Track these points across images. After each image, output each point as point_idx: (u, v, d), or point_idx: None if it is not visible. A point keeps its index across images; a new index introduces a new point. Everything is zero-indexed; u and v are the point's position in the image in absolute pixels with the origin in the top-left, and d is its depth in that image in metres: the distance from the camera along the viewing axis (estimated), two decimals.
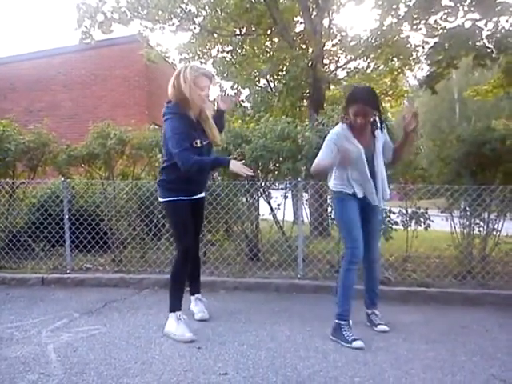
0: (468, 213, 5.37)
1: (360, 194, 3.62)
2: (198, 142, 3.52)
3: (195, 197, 3.79)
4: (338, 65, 10.56)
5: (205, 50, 11.07)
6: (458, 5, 8.16)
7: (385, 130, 3.73)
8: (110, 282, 5.46)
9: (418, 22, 8.84)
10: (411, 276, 5.22)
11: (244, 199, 5.92)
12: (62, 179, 5.93)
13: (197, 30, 10.55)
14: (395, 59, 9.85)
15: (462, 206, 5.43)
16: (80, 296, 5.00)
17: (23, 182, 6.34)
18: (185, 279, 3.74)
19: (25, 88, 15.64)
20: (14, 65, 15.76)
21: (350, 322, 3.57)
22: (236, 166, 3.41)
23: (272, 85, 10.47)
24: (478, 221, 5.33)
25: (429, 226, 5.41)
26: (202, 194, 3.93)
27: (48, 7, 49.69)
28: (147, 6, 9.36)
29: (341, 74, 10.49)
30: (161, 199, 3.72)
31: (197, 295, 4.19)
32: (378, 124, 3.64)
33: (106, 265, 5.97)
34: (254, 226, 5.90)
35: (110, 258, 6.10)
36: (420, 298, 4.74)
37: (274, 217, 5.82)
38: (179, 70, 3.55)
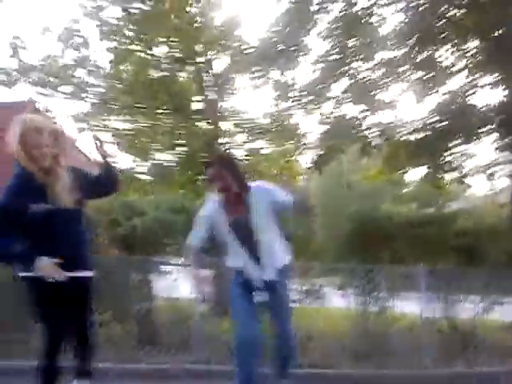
0: (360, 290, 5.49)
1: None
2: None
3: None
4: (235, 144, 10.81)
5: (101, 122, 10.74)
6: (344, 96, 8.95)
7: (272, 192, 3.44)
8: None
9: (307, 109, 9.50)
10: (310, 356, 5.08)
11: (135, 275, 5.53)
12: None
13: (92, 100, 10.26)
14: (287, 143, 10.32)
15: (355, 284, 5.56)
16: None
17: None
18: None
19: None
20: None
21: None
22: (46, 268, 2.75)
23: (171, 158, 10.40)
24: (370, 299, 5.45)
25: (323, 303, 5.42)
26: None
27: None
28: (41, 70, 8.98)
29: (238, 152, 10.71)
30: None
31: None
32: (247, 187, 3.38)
33: None
34: (147, 305, 5.48)
35: None
36: (317, 380, 4.60)
37: (169, 294, 5.48)
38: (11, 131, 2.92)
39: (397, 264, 5.51)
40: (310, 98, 9.28)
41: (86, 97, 10.17)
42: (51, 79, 9.56)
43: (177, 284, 5.50)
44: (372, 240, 5.54)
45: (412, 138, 8.96)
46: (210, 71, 10.52)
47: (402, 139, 9.00)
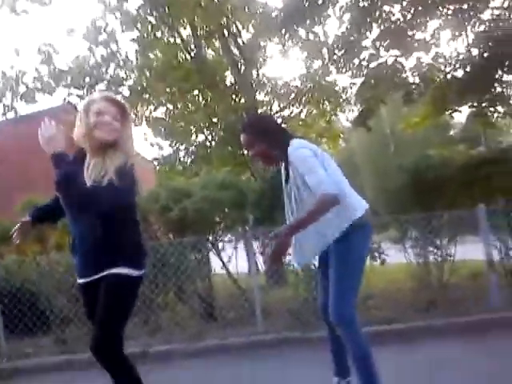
0: (420, 242, 5.31)
1: None
2: None
3: (85, 280, 2.56)
4: (272, 113, 10.71)
5: (137, 113, 10.95)
6: (378, 44, 8.54)
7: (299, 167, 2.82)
8: (54, 366, 4.90)
9: (342, 64, 9.15)
10: (375, 314, 5.01)
11: (192, 256, 5.61)
12: None
13: (127, 93, 10.45)
14: (326, 102, 10.10)
15: (413, 236, 5.38)
16: None
17: None
18: None
19: None
20: None
21: None
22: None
23: (209, 138, 10.47)
24: (431, 248, 5.27)
25: (384, 260, 5.29)
26: (101, 274, 2.47)
27: None
28: (71, 72, 9.19)
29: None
30: None
31: None
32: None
33: (47, 347, 5.39)
34: (206, 283, 5.57)
35: (51, 339, 5.52)
36: (386, 336, 4.51)
37: (227, 270, 5.54)
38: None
39: (456, 209, 5.24)
40: (344, 51, 8.93)
41: (122, 91, 10.35)
42: (86, 79, 9.78)
43: (233, 259, 5.53)
44: (428, 188, 5.29)
45: (457, 74, 8.45)
46: (238, 43, 10.40)
47: (446, 78, 8.50)
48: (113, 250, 2.45)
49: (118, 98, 2.74)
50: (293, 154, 2.81)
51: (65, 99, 10.11)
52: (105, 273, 2.44)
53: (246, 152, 10.06)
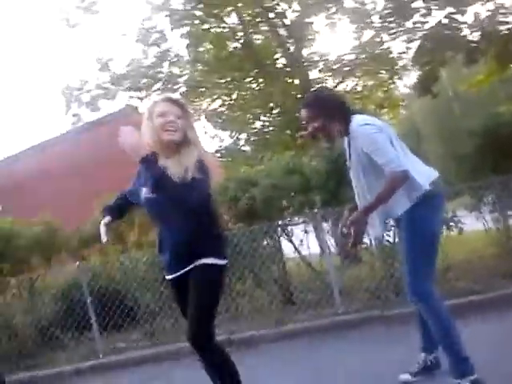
0: (498, 207, 5.08)
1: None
2: (143, 191, 2.67)
3: (176, 275, 2.68)
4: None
5: (195, 107, 11.17)
6: (429, 4, 8.15)
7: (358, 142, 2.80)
8: (146, 359, 5.20)
9: (394, 30, 8.84)
10: (456, 286, 4.88)
11: (265, 242, 5.70)
12: (77, 263, 5.78)
13: (183, 89, 10.65)
14: (383, 71, 9.82)
15: (491, 200, 5.16)
16: (117, 380, 4.74)
17: (39, 275, 6.21)
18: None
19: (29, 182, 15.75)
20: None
21: None
22: (100, 225, 2.85)
23: (267, 124, 10.52)
24: (510, 212, 5.04)
25: (461, 229, 5.11)
26: (189, 267, 2.62)
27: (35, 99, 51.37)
28: (128, 76, 9.48)
29: None
30: None
31: None
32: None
33: (138, 341, 5.71)
34: (281, 268, 5.66)
35: (141, 333, 5.84)
36: (471, 308, 4.37)
37: (300, 254, 5.59)
38: None
39: None
40: (395, 16, 8.60)
41: (180, 87, 10.55)
42: (143, 81, 10.05)
43: (304, 242, 5.57)
44: (501, 148, 5.03)
45: None
46: (285, 23, 10.28)
47: (510, 29, 7.98)
48: (200, 242, 2.58)
49: (176, 96, 2.85)
50: (357, 130, 2.77)
51: (126, 103, 10.47)
52: (194, 265, 2.59)
53: (303, 130, 9.99)
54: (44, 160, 15.64)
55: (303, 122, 2.98)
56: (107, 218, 2.88)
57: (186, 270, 2.62)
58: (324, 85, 10.10)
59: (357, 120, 2.80)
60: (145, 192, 2.64)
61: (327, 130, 2.93)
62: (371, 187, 2.81)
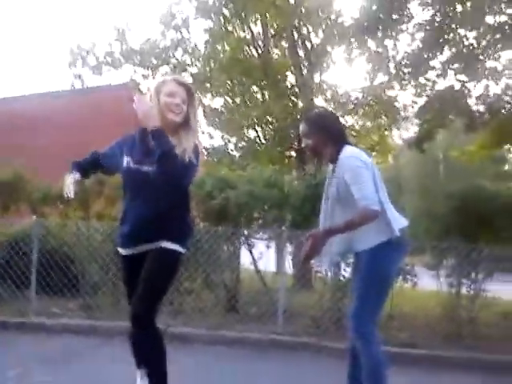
0: (456, 271, 5.16)
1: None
2: (125, 161, 2.64)
3: (130, 251, 2.66)
4: None
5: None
6: (447, 67, 8.34)
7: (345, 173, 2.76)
8: (77, 329, 5.11)
9: (406, 81, 8.99)
10: (397, 336, 4.92)
11: (225, 247, 5.68)
12: (34, 217, 5.67)
13: (189, 80, 10.66)
14: (384, 117, 9.98)
15: (450, 265, 5.24)
16: (42, 343, 4.65)
17: None
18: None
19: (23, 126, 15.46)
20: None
21: None
22: (66, 180, 2.73)
23: (261, 135, 10.59)
24: (465, 280, 5.12)
25: (416, 283, 5.18)
26: (148, 246, 2.58)
27: (39, 50, 50.81)
28: (141, 52, 9.46)
29: None
30: None
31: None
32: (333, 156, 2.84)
33: (74, 310, 5.60)
34: (234, 275, 5.63)
35: (78, 303, 5.73)
36: (406, 360, 4.42)
37: (256, 266, 5.58)
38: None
39: (498, 246, 5.07)
40: (411, 68, 8.77)
41: (184, 76, 10.56)
42: (153, 61, 10.04)
43: (263, 257, 5.57)
44: (473, 219, 5.14)
45: None
46: (306, 46, 10.41)
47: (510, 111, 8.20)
48: (168, 224, 2.56)
49: (186, 79, 2.85)
50: (344, 160, 2.79)
51: (131, 77, 10.42)
52: (155, 246, 2.55)
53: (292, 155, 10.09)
54: (38, 110, 15.44)
55: (301, 135, 3.01)
56: (77, 175, 2.77)
57: (144, 248, 2.58)
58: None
59: (347, 150, 2.83)
60: (127, 161, 2.61)
61: (319, 151, 2.94)
62: (335, 216, 2.85)
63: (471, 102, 8.35)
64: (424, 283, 5.30)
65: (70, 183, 2.72)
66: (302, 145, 3.03)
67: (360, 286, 2.82)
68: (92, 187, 5.63)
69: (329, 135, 2.89)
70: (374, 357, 2.76)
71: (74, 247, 5.81)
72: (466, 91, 8.30)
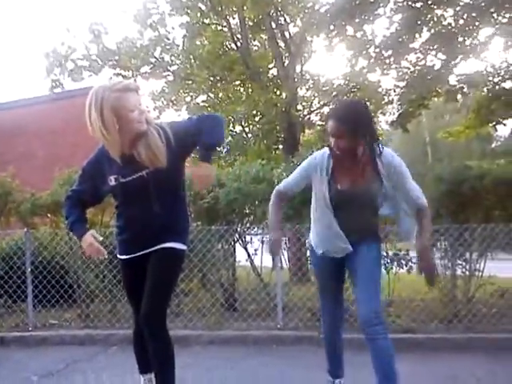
0: (450, 253, 5.20)
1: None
2: (112, 179, 2.57)
3: (137, 254, 2.65)
4: (312, 109, 10.66)
5: (178, 98, 11.06)
6: (427, 47, 8.36)
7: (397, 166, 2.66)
8: (75, 340, 5.09)
9: (388, 65, 9.00)
10: (395, 322, 4.96)
11: (219, 245, 5.66)
12: (25, 230, 5.60)
13: (170, 78, 10.57)
14: (368, 103, 9.96)
15: (444, 247, 5.27)
16: (42, 356, 4.65)
17: None
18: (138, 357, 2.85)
19: None
20: None
21: None
22: (86, 243, 2.58)
23: (247, 129, 10.53)
24: (460, 261, 5.16)
25: (411, 268, 5.21)
26: (153, 248, 2.61)
27: (15, 57, 50.02)
28: (118, 53, 9.34)
29: (315, 118, 10.58)
30: None
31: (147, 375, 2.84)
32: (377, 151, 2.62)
33: (71, 320, 5.57)
34: (231, 273, 5.63)
35: (75, 313, 5.70)
36: (405, 345, 4.44)
37: (252, 263, 5.57)
38: (89, 102, 2.45)
39: (490, 224, 5.11)
40: (391, 51, 8.77)
41: (167, 75, 10.46)
42: (132, 61, 9.92)
43: (258, 252, 5.56)
44: (463, 199, 5.17)
45: (506, 85, 8.19)
46: (285, 36, 10.35)
47: (494, 88, 8.25)
48: (170, 222, 2.58)
49: (130, 81, 2.87)
50: (395, 157, 2.68)
51: (111, 78, 10.28)
52: (160, 246, 2.57)
53: (280, 148, 10.03)
54: (16, 118, 15.21)
55: (330, 133, 2.62)
56: (87, 234, 2.61)
57: (147, 251, 2.59)
58: (309, 104, 10.21)
59: (387, 148, 2.70)
60: (115, 178, 2.55)
61: (353, 153, 2.63)
62: (342, 214, 2.72)
63: (453, 79, 8.40)
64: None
65: (90, 245, 2.59)
66: (333, 145, 2.62)
67: (371, 273, 2.72)
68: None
69: (365, 139, 2.59)
70: (391, 345, 2.68)
71: (67, 257, 5.74)
72: (445, 70, 8.34)
